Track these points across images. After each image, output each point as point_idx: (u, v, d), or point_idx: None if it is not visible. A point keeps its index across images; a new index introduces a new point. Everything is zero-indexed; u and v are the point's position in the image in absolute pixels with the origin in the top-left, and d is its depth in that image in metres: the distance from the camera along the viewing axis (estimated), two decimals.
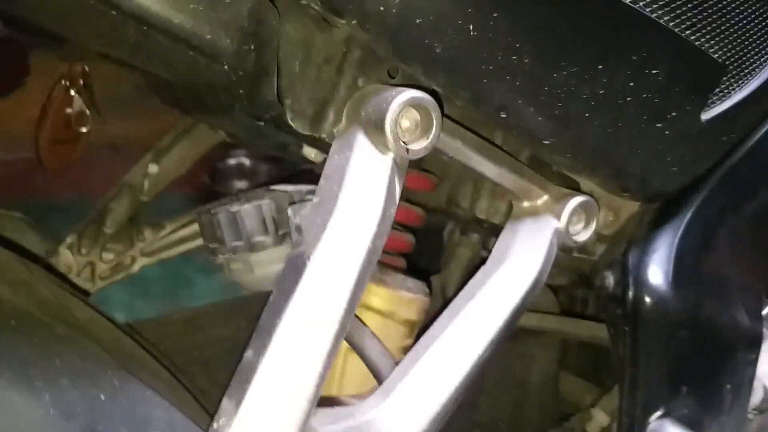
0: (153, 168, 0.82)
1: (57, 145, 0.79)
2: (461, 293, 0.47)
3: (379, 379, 0.45)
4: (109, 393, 0.46)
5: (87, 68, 0.77)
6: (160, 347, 0.71)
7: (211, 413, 0.56)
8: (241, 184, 3.14)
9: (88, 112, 0.78)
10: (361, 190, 0.41)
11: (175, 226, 0.87)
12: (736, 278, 0.63)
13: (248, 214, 0.47)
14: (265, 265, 0.48)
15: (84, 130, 0.78)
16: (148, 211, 0.87)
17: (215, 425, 0.36)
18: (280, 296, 0.37)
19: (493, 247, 0.74)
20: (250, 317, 0.84)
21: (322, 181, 0.43)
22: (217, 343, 0.81)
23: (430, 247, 0.79)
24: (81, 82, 0.77)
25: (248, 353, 0.37)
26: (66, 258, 0.82)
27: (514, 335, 0.74)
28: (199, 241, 0.88)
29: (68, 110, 0.78)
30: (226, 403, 0.36)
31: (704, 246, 0.61)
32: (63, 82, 0.77)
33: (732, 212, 0.63)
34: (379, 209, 0.40)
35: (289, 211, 0.41)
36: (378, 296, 0.54)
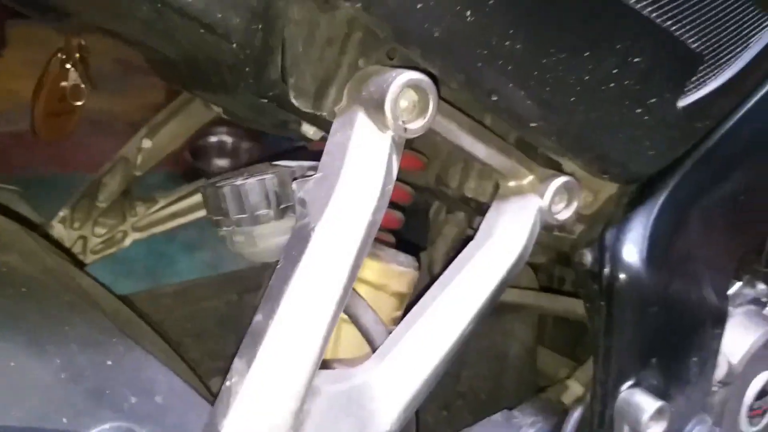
0: (147, 143, 0.84)
1: (52, 118, 0.80)
2: (450, 267, 0.50)
3: (373, 346, 0.48)
4: (115, 359, 0.48)
5: (83, 42, 0.78)
6: (153, 318, 0.73)
7: (204, 382, 0.59)
8: (221, 161, 3.13)
9: (83, 86, 0.79)
10: (361, 166, 0.43)
11: (167, 201, 0.88)
12: (705, 258, 0.67)
13: (252, 188, 0.49)
14: (267, 237, 0.50)
15: (79, 103, 0.79)
16: (135, 187, 0.89)
17: (228, 383, 0.38)
18: (287, 264, 0.40)
19: (478, 225, 0.77)
20: (240, 290, 0.87)
21: (324, 157, 0.45)
22: (208, 315, 0.83)
23: (416, 225, 0.81)
24: (77, 56, 0.78)
25: (258, 317, 0.39)
26: (59, 231, 0.84)
27: (495, 310, 0.78)
28: (189, 217, 0.90)
29: (63, 83, 0.79)
30: (237, 362, 0.39)
31: (676, 227, 0.64)
32: (59, 55, 0.78)
33: (703, 196, 0.67)
34: (379, 184, 0.43)
35: (294, 186, 0.43)
36: (371, 269, 0.57)
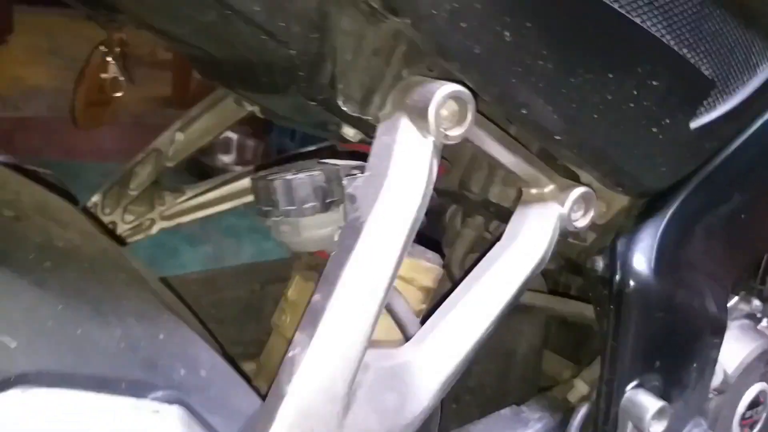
0: (179, 136, 0.87)
1: (90, 107, 0.83)
2: (479, 264, 0.55)
3: (405, 333, 0.52)
4: (166, 333, 0.52)
5: (124, 37, 0.82)
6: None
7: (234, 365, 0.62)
8: (227, 158, 3.16)
9: (121, 78, 0.83)
10: (406, 167, 0.47)
11: (194, 193, 0.92)
12: (707, 271, 0.71)
13: (302, 182, 0.53)
14: (311, 228, 0.54)
15: (116, 95, 0.83)
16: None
17: (291, 354, 0.42)
18: (342, 252, 0.44)
19: (494, 229, 0.82)
20: (263, 281, 0.91)
21: (371, 158, 0.49)
22: (231, 303, 0.87)
23: (431, 227, 0.85)
24: (117, 49, 0.82)
25: (316, 297, 0.44)
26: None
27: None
28: (214, 209, 0.94)
29: (103, 75, 0.82)
30: (299, 336, 0.43)
31: (682, 240, 0.69)
32: (101, 48, 0.82)
33: (708, 212, 0.71)
34: (423, 184, 0.47)
35: (344, 182, 0.47)
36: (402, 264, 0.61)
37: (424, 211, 0.47)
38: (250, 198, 0.92)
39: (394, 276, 0.45)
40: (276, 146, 2.91)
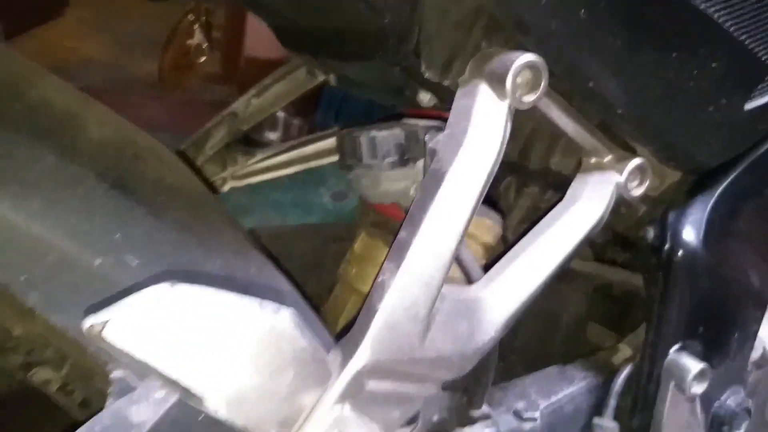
0: (255, 101, 0.94)
1: (176, 70, 0.90)
2: (541, 221, 0.60)
3: (469, 279, 0.58)
4: (256, 268, 0.59)
5: (210, 7, 0.88)
6: None
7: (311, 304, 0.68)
8: (273, 135, 3.25)
9: (205, 45, 0.90)
10: (484, 126, 0.53)
11: (263, 155, 0.98)
12: (753, 248, 0.75)
13: (385, 138, 0.58)
14: (390, 181, 0.60)
15: (201, 60, 0.90)
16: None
17: (380, 279, 0.48)
18: (425, 196, 0.50)
19: (548, 199, 0.86)
20: (325, 240, 0.97)
21: (451, 118, 0.54)
22: (295, 258, 0.93)
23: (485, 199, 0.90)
24: (204, 18, 0.88)
25: (402, 233, 0.49)
26: None
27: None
28: (281, 172, 1.00)
29: (189, 41, 0.89)
30: (387, 264, 0.49)
31: (730, 216, 0.73)
32: (189, 16, 0.88)
33: (757, 192, 0.75)
34: (498, 141, 0.52)
35: (426, 137, 0.53)
36: None
37: (497, 167, 0.53)
38: (313, 163, 0.98)
39: (469, 221, 0.50)
40: (320, 125, 2.98)
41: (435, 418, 0.59)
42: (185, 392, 0.41)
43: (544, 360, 0.85)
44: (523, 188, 0.84)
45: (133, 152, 0.56)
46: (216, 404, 0.41)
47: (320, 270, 0.93)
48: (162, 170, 0.59)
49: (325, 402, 0.45)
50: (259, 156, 0.98)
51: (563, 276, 0.87)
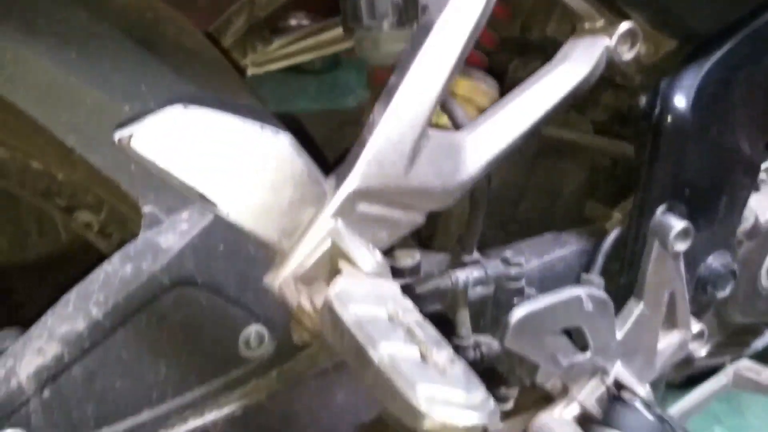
0: None
1: None
2: (531, 76, 0.64)
3: (456, 125, 0.63)
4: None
5: None
6: None
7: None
8: (294, 21, 3.24)
9: None
10: None
11: (282, 43, 1.03)
12: (745, 116, 0.78)
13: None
14: (389, 42, 0.63)
15: None
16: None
17: (371, 118, 0.54)
18: (415, 44, 0.54)
19: None
20: (340, 122, 1.02)
21: None
22: (314, 137, 0.99)
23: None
24: None
25: (392, 78, 0.54)
26: None
27: (555, 151, 0.91)
28: (299, 58, 1.04)
29: None
30: (377, 107, 0.54)
31: (723, 85, 0.75)
32: None
33: (750, 64, 0.77)
34: (483, 3, 0.56)
35: None
36: (463, 85, 0.71)
37: (482, 23, 0.57)
38: (331, 49, 1.02)
39: (456, 67, 0.55)
40: None
41: None
42: (200, 197, 0.47)
43: (544, 230, 0.90)
44: (527, 66, 0.88)
45: (153, 15, 0.62)
46: (226, 208, 0.48)
47: (335, 151, 0.98)
48: (181, 36, 0.65)
49: (322, 216, 0.51)
50: (276, 44, 1.02)
51: (564, 152, 0.92)
